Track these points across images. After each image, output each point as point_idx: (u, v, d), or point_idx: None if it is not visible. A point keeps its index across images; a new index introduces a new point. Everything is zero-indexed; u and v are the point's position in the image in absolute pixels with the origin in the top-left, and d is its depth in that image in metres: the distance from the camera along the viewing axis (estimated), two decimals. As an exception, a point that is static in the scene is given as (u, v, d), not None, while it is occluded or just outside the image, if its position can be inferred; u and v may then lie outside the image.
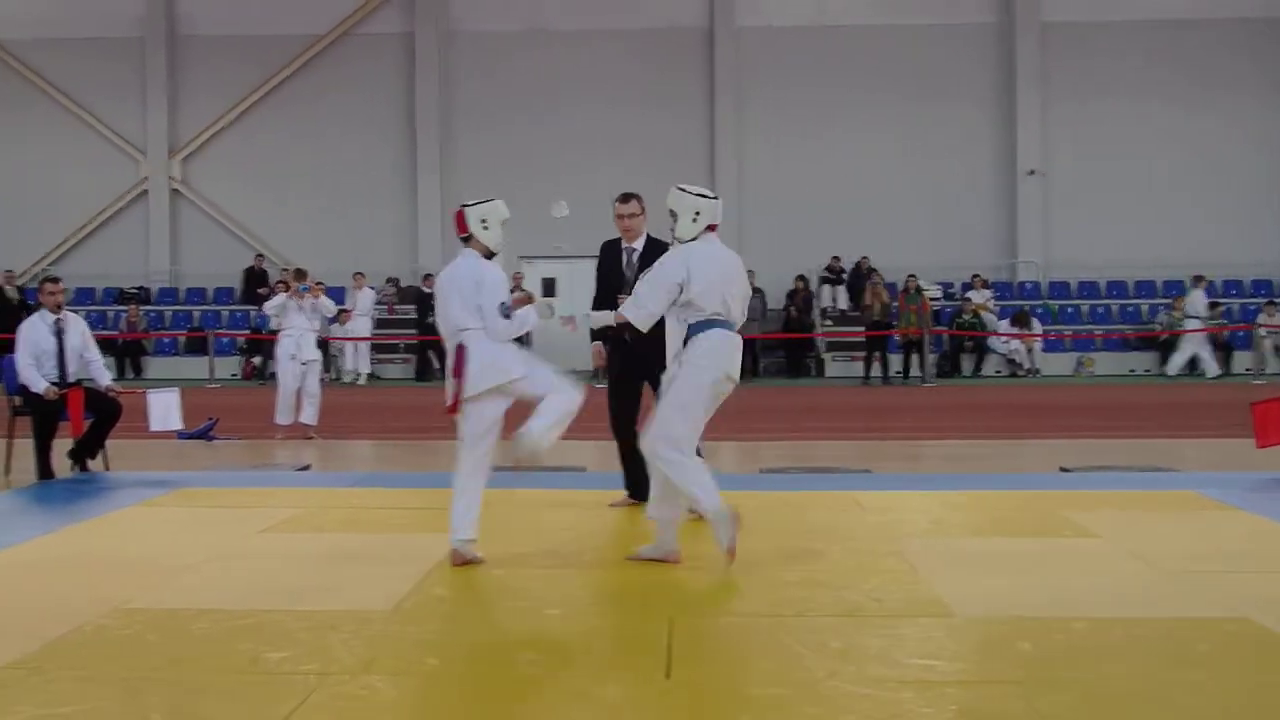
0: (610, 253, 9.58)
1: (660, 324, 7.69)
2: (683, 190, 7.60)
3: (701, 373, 7.41)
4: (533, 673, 5.53)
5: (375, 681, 5.35)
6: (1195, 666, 5.57)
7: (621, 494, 9.64)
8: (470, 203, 7.88)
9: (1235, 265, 30.58)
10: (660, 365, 7.83)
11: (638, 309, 7.54)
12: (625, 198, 9.41)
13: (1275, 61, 30.97)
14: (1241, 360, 28.54)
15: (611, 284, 9.29)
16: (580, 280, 30.34)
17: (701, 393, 7.43)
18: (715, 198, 7.67)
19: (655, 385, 8.07)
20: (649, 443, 7.49)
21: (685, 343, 7.51)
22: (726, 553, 7.31)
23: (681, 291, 7.43)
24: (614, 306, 8.09)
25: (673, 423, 7.41)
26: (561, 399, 7.59)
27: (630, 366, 9.24)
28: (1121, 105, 30.65)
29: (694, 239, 7.57)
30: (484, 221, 7.77)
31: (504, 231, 7.84)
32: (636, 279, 8.41)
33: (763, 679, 5.41)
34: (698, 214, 7.56)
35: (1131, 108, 30.70)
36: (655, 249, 8.95)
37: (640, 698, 5.20)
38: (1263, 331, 27.61)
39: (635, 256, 9.34)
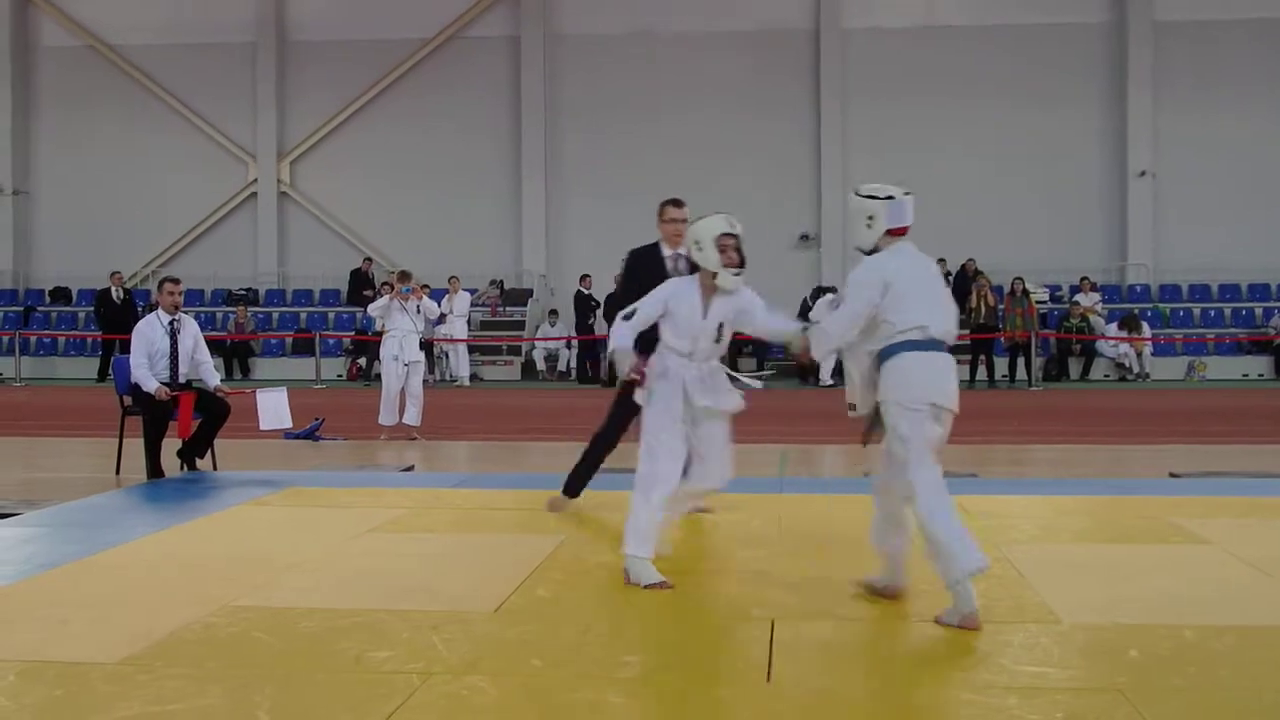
0: (649, 260, 9.06)
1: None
2: (855, 194, 6.69)
3: (906, 413, 6.40)
4: (635, 674, 5.52)
5: (478, 681, 5.37)
6: (1310, 676, 5.45)
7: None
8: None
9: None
10: None
11: (827, 341, 6.71)
12: (679, 202, 9.07)
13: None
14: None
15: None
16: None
17: (918, 430, 6.39)
18: (889, 196, 6.60)
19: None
20: (914, 510, 6.46)
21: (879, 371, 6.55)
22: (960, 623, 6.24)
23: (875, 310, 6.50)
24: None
25: (918, 483, 6.39)
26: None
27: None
28: (1235, 104, 30.11)
29: (874, 248, 6.62)
30: (698, 244, 7.27)
31: (716, 248, 7.17)
32: None
33: (864, 684, 5.37)
34: (871, 218, 6.59)
35: (1245, 107, 30.15)
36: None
37: (741, 700, 5.18)
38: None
39: (682, 264, 8.69)
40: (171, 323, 12.13)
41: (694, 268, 7.49)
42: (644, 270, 8.86)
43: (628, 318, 7.38)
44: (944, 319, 6.54)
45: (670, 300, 7.37)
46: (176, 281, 12.45)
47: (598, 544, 8.21)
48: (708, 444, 7.42)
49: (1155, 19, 30.56)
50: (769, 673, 5.50)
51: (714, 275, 7.24)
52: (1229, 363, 28.77)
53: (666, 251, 9.01)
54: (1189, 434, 16.41)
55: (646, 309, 7.38)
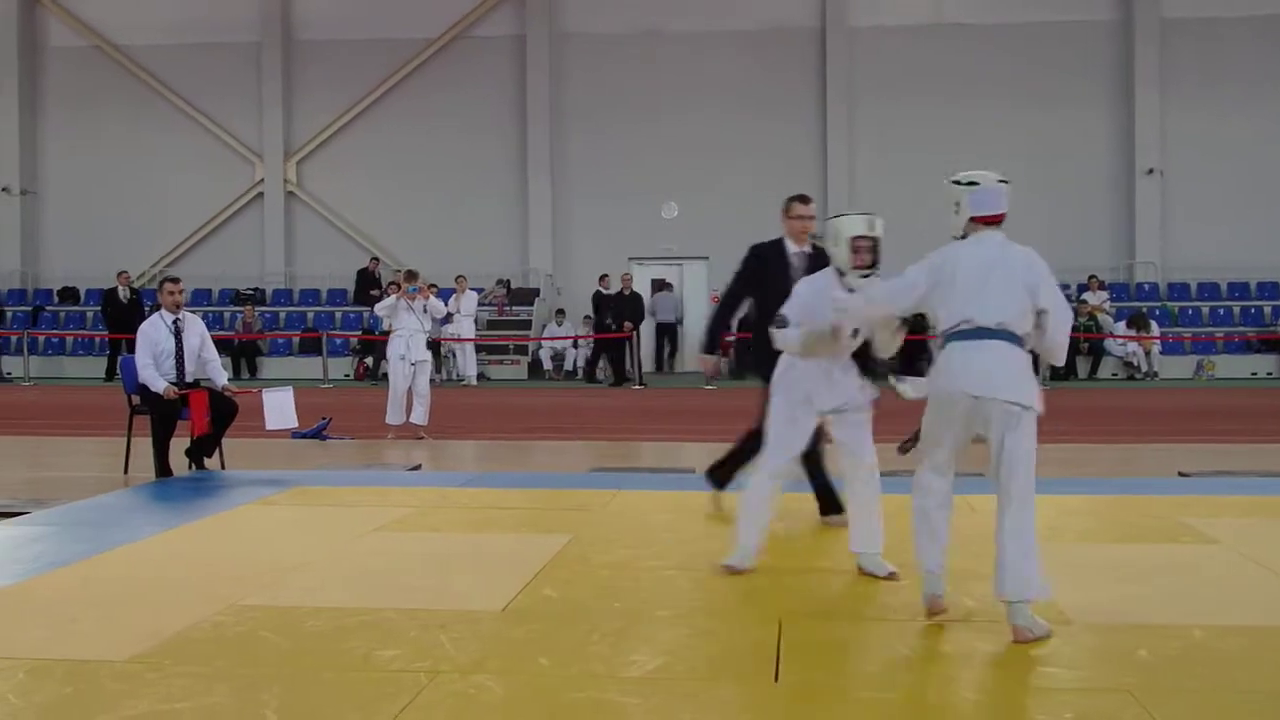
0: (773, 256, 8.73)
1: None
2: (947, 180, 6.56)
3: (930, 399, 6.49)
4: (642, 674, 5.51)
5: (485, 680, 5.36)
6: (1319, 676, 5.43)
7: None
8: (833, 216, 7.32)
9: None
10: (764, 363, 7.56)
11: (853, 311, 6.79)
12: (806, 199, 8.82)
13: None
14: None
15: (778, 289, 7.96)
16: (690, 282, 30.38)
17: (927, 419, 6.56)
18: (974, 183, 6.44)
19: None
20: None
21: None
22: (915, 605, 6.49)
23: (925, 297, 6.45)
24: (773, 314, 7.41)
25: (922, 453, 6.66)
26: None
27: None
28: (1242, 102, 30.10)
29: (964, 235, 6.47)
30: (835, 239, 7.21)
31: (849, 249, 7.10)
32: None
33: (872, 683, 5.36)
34: (957, 204, 6.44)
35: (1252, 104, 30.14)
36: (821, 258, 8.15)
37: (748, 700, 5.16)
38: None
39: (804, 262, 8.56)
40: (175, 322, 12.14)
41: (812, 265, 7.44)
42: (765, 265, 8.70)
43: (780, 326, 7.26)
44: (993, 311, 6.28)
45: (815, 299, 7.19)
46: (176, 281, 12.45)
47: (605, 543, 8.20)
48: (848, 439, 7.50)
49: (1162, 16, 30.55)
50: (777, 672, 5.49)
51: (842, 274, 7.17)
52: (1237, 361, 28.75)
53: (792, 248, 8.74)
54: (1197, 433, 16.38)
55: (799, 315, 7.23)
